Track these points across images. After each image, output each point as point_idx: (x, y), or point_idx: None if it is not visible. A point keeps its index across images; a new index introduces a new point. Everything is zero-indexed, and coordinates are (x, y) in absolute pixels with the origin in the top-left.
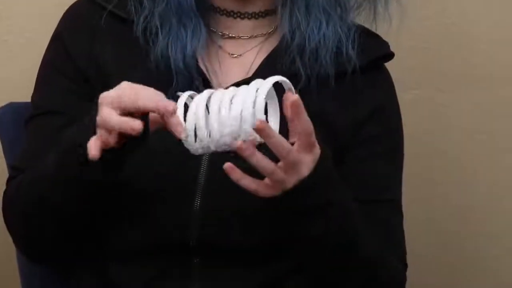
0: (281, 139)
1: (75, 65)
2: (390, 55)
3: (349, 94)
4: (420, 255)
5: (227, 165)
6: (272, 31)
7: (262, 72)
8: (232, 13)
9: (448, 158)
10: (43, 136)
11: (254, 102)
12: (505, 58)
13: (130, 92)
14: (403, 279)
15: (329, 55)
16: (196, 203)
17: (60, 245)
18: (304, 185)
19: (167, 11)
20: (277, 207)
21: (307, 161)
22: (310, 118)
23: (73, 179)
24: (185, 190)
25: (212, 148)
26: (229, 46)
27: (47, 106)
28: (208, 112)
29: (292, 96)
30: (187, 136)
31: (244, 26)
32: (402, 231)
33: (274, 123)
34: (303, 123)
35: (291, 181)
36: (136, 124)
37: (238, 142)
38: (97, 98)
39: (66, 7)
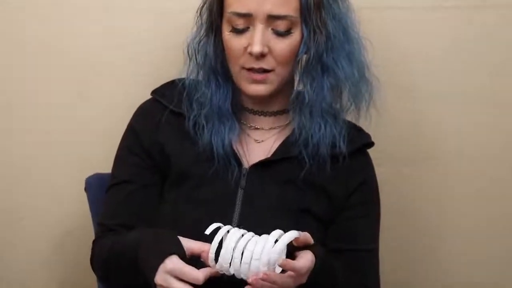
0: (284, 279)
1: (143, 148)
2: (371, 143)
3: (342, 173)
4: None
5: (253, 279)
6: (285, 124)
7: (278, 153)
8: (257, 112)
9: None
10: (117, 200)
11: (269, 259)
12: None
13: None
14: None
15: (326, 149)
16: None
17: (120, 285)
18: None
19: (210, 113)
20: None
21: (306, 276)
22: (312, 190)
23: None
24: None
25: (236, 276)
26: (254, 134)
27: (122, 177)
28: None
29: (282, 263)
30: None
31: (265, 121)
32: (378, 270)
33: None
34: (297, 270)
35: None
36: None
37: (250, 279)
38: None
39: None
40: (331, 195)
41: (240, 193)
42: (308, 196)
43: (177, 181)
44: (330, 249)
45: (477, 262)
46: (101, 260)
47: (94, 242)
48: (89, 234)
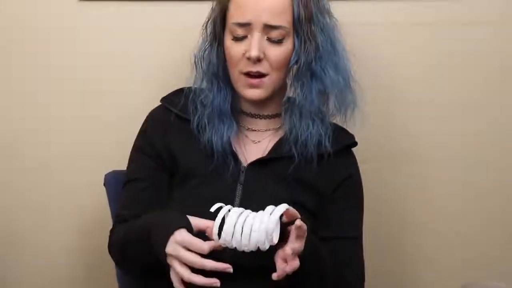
0: (294, 243)
1: (155, 149)
2: (355, 143)
3: (328, 170)
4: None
5: (275, 275)
6: (278, 127)
7: (273, 152)
8: (254, 115)
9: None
10: (131, 195)
11: (266, 231)
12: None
13: (188, 254)
14: (361, 286)
15: (313, 146)
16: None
17: (136, 271)
18: (303, 250)
19: (212, 114)
20: None
21: (303, 241)
22: (303, 186)
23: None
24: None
25: (238, 248)
26: (251, 135)
27: (135, 175)
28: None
29: (289, 212)
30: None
31: (261, 123)
32: (361, 257)
33: (275, 235)
34: (300, 231)
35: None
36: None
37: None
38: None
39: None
40: (318, 190)
41: (239, 188)
42: (299, 191)
43: (182, 180)
44: (320, 238)
45: (463, 260)
46: (117, 245)
47: (111, 230)
48: (108, 223)
